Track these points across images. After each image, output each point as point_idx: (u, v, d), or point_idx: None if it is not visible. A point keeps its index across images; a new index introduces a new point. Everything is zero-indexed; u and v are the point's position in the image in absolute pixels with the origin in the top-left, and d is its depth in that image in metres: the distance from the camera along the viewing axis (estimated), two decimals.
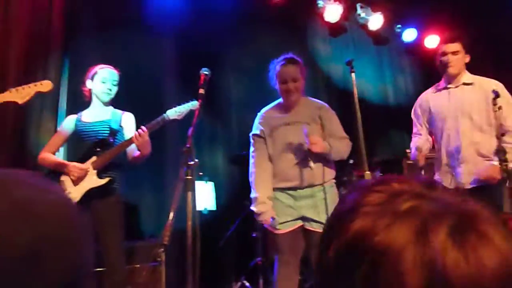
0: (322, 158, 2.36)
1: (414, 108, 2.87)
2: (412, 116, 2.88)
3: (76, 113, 2.61)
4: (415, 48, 5.42)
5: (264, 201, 2.30)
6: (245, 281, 3.57)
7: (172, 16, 4.35)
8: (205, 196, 4.03)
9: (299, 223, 2.33)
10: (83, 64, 3.89)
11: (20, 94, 2.02)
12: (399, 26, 5.37)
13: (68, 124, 2.59)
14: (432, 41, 5.15)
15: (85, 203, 2.34)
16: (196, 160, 1.64)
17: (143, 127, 2.38)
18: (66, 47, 3.94)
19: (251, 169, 2.42)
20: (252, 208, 2.34)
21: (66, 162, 2.46)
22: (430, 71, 3.92)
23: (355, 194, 0.48)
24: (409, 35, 5.32)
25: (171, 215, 1.39)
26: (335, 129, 2.46)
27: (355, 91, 2.24)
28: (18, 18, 3.68)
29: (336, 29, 5.29)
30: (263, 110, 2.54)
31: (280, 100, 2.51)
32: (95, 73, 2.57)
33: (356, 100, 2.21)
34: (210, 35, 4.35)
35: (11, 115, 3.52)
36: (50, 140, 2.66)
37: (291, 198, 2.33)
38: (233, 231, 3.69)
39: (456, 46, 2.61)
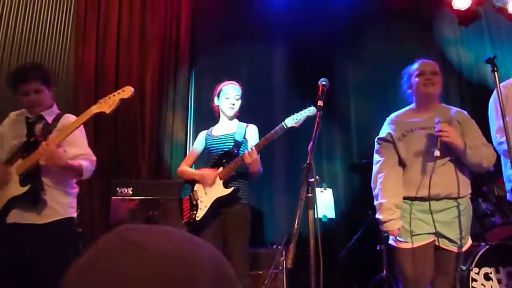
0: (459, 165, 2.09)
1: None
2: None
3: (202, 123, 2.80)
4: None
5: (390, 207, 2.07)
6: None
7: (283, 22, 4.39)
8: (323, 203, 3.96)
9: (432, 237, 2.08)
10: (206, 79, 4.19)
11: (107, 104, 2.13)
12: None
13: (200, 139, 2.82)
14: None
15: (214, 210, 2.51)
16: (317, 177, 1.58)
17: (252, 146, 2.47)
18: (192, 64, 4.28)
19: (376, 175, 2.20)
20: (377, 216, 2.13)
21: (197, 171, 2.67)
22: None
23: None
24: None
25: (294, 238, 1.36)
26: (475, 135, 2.17)
27: (499, 91, 1.93)
28: (151, 44, 4.12)
29: (467, 17, 4.72)
30: (393, 114, 2.36)
31: (412, 105, 2.32)
32: (220, 90, 2.75)
33: (502, 102, 1.90)
34: (324, 37, 4.27)
35: (148, 131, 3.95)
36: (187, 155, 2.95)
37: (423, 210, 2.08)
38: (355, 242, 3.53)
39: None
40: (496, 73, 1.96)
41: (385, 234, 2.18)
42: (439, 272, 2.11)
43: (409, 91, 2.30)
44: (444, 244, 2.09)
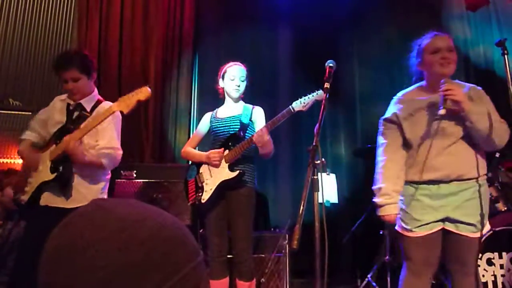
0: (470, 144, 1.92)
1: None
2: None
3: (206, 106, 2.75)
4: None
5: (388, 192, 1.95)
6: (371, 280, 3.41)
7: (288, 4, 4.33)
8: (327, 188, 3.96)
9: (440, 225, 1.94)
10: (209, 61, 4.15)
11: (125, 103, 2.11)
12: None
13: (205, 121, 2.78)
14: None
15: (219, 193, 2.50)
16: (323, 159, 1.57)
17: (262, 127, 2.41)
18: (195, 46, 4.23)
19: (379, 157, 2.06)
20: (374, 199, 2.00)
21: (204, 153, 2.62)
22: None
23: None
24: None
25: (299, 219, 1.36)
26: (490, 111, 1.96)
27: (509, 76, 1.90)
28: (155, 26, 4.07)
29: (475, 3, 4.63)
30: (401, 92, 2.15)
31: (422, 83, 2.12)
32: (225, 71, 2.69)
33: (511, 85, 1.87)
34: (330, 20, 4.21)
35: (151, 114, 3.94)
36: (191, 137, 2.89)
37: (430, 195, 1.94)
38: (358, 227, 3.54)
39: None
40: (506, 56, 1.92)
41: (382, 220, 2.01)
42: (455, 261, 1.95)
43: (419, 68, 2.08)
44: (456, 229, 1.91)
